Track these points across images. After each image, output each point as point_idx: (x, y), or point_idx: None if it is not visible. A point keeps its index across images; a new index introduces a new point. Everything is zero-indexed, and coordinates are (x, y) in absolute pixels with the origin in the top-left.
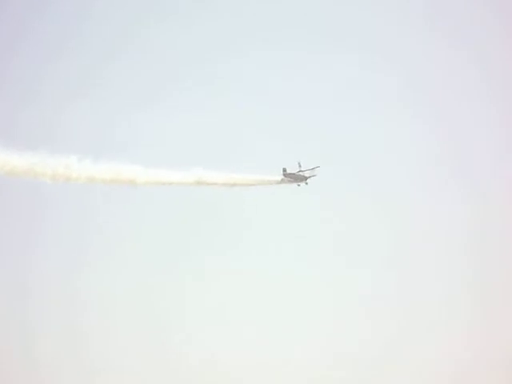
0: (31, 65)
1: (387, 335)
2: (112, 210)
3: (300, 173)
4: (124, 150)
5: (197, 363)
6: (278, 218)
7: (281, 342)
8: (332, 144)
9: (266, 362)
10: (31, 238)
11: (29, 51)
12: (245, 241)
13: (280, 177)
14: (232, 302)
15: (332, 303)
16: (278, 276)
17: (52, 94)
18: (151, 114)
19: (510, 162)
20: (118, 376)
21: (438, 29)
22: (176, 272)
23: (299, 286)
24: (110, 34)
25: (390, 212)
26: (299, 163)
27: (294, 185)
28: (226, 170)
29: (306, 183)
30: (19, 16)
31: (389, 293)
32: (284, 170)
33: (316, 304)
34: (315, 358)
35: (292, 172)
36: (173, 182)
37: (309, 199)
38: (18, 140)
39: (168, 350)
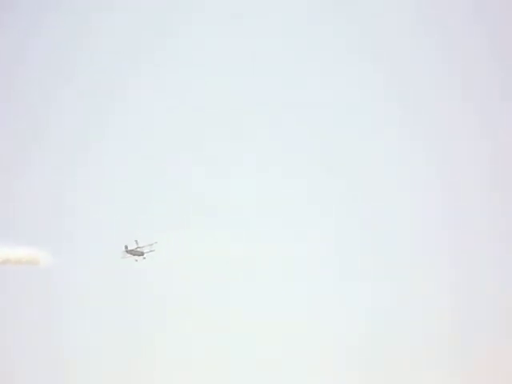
0: None
1: (386, 341)
2: None
3: (138, 249)
4: None
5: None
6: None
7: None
8: (330, 146)
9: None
10: None
11: None
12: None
13: (123, 253)
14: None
15: (332, 307)
16: (276, 277)
17: None
18: None
19: (510, 162)
20: None
21: (439, 30)
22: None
23: (298, 288)
24: None
25: (390, 213)
26: (136, 241)
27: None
28: None
29: (144, 258)
30: None
31: (388, 297)
32: (126, 247)
33: (314, 307)
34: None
35: (131, 249)
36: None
37: (308, 199)
38: None
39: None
